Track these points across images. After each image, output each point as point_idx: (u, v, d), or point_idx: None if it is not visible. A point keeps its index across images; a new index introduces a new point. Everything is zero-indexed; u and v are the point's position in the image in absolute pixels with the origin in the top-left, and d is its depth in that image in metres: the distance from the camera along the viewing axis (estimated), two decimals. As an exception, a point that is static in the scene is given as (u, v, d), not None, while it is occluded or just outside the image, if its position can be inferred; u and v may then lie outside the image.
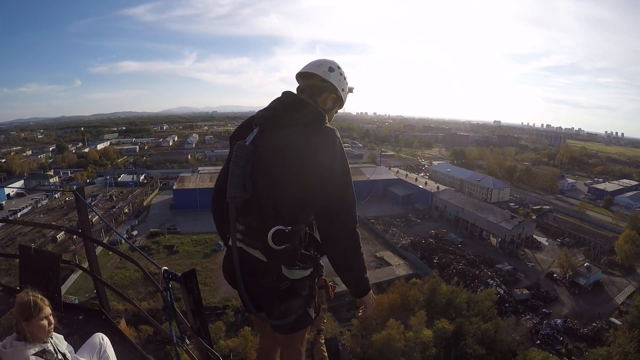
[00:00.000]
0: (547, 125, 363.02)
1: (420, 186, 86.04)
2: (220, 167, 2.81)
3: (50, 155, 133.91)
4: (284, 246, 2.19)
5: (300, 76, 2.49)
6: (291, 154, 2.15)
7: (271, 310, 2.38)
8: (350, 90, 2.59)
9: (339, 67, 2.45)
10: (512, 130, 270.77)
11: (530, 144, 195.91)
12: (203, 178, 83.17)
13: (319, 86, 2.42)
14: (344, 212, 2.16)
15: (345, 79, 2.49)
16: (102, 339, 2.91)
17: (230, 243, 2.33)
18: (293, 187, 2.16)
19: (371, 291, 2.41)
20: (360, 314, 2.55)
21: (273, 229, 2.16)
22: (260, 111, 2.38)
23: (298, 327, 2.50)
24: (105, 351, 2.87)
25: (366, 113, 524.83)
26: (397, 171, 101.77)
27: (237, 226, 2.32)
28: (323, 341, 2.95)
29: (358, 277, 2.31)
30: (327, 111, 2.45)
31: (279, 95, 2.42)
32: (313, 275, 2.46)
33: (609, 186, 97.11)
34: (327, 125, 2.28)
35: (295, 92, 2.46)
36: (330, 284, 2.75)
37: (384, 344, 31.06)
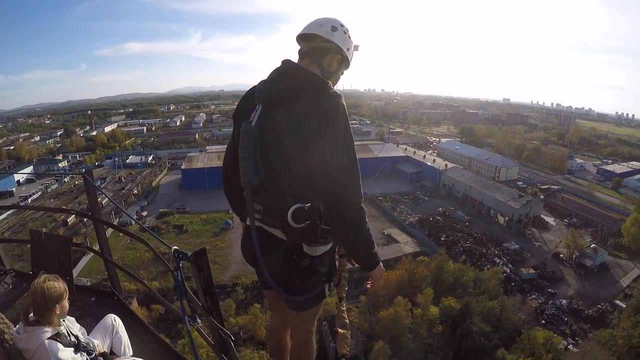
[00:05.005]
0: (557, 104, 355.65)
1: (429, 163, 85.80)
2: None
3: (59, 140, 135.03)
4: (304, 224, 2.16)
5: (302, 38, 2.34)
6: (295, 131, 2.08)
7: (288, 287, 2.36)
8: (356, 48, 2.42)
9: (342, 25, 2.30)
10: (521, 109, 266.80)
11: (540, 122, 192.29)
12: (211, 157, 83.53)
13: (323, 47, 2.28)
14: (349, 187, 2.09)
15: (349, 37, 2.33)
16: (114, 320, 2.93)
17: (248, 222, 2.31)
18: (302, 164, 2.10)
19: (380, 264, 2.36)
20: (369, 286, 2.54)
21: (292, 208, 2.13)
22: (260, 85, 2.27)
23: (312, 304, 2.53)
24: (117, 332, 2.90)
25: (374, 90, 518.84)
26: (405, 148, 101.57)
27: (254, 206, 2.29)
28: (345, 308, 3.01)
29: (366, 252, 2.27)
30: (332, 74, 2.35)
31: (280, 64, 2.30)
32: (333, 248, 2.45)
33: (618, 168, 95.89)
34: (331, 91, 2.15)
35: (298, 56, 2.35)
36: None
37: (391, 321, 31.48)
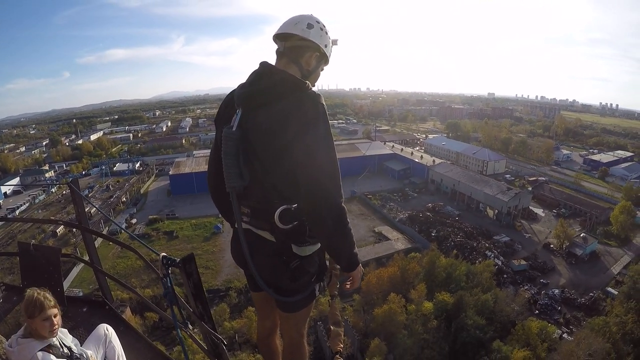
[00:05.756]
0: (542, 96, 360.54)
1: (416, 160, 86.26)
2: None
3: (44, 150, 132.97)
4: (291, 225, 2.13)
5: (278, 37, 2.27)
6: (276, 133, 2.07)
7: (279, 288, 2.34)
8: (335, 42, 2.36)
9: (318, 22, 2.24)
10: (506, 102, 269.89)
11: (525, 115, 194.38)
12: (199, 162, 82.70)
13: (300, 46, 2.23)
14: (330, 187, 2.04)
15: (326, 33, 2.28)
16: (106, 330, 2.92)
17: (236, 225, 2.28)
18: (285, 165, 2.09)
19: (360, 265, 2.34)
20: (347, 287, 2.50)
21: (279, 209, 2.10)
22: (239, 88, 2.24)
23: (303, 304, 2.52)
24: (110, 341, 2.88)
25: (359, 89, 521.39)
26: (393, 146, 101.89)
27: (242, 209, 2.27)
28: (337, 306, 2.99)
29: (348, 252, 2.22)
30: (311, 72, 2.30)
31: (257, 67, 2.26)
32: (322, 247, 2.42)
33: (604, 157, 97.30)
34: (309, 91, 2.12)
35: (275, 57, 2.30)
36: None
37: (385, 318, 31.56)
